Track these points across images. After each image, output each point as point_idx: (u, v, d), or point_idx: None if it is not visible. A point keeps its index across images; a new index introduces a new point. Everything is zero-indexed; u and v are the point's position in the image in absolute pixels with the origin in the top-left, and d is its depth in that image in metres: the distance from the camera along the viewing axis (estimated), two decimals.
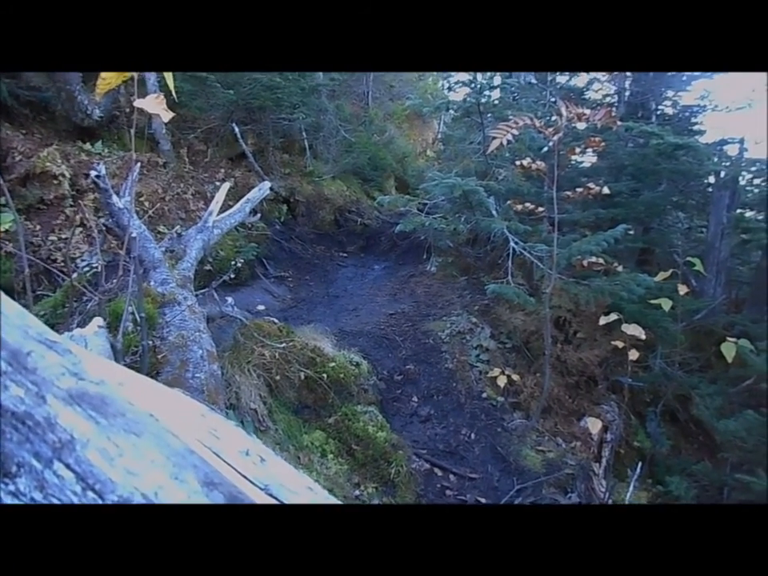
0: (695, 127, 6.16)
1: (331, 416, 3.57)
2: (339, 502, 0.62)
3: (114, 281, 2.87)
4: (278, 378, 3.55)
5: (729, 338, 3.76)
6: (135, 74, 1.78)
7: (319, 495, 0.60)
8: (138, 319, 2.35)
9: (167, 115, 1.86)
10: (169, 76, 1.80)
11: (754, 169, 4.68)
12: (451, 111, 6.42)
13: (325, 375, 3.66)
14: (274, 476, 0.55)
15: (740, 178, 4.83)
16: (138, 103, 1.83)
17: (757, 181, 4.95)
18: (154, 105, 1.85)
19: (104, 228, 4.12)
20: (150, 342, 2.57)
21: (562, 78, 6.72)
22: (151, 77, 5.82)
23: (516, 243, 4.54)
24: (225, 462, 0.52)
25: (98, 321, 2.13)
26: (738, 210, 5.07)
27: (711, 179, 5.05)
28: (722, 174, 4.80)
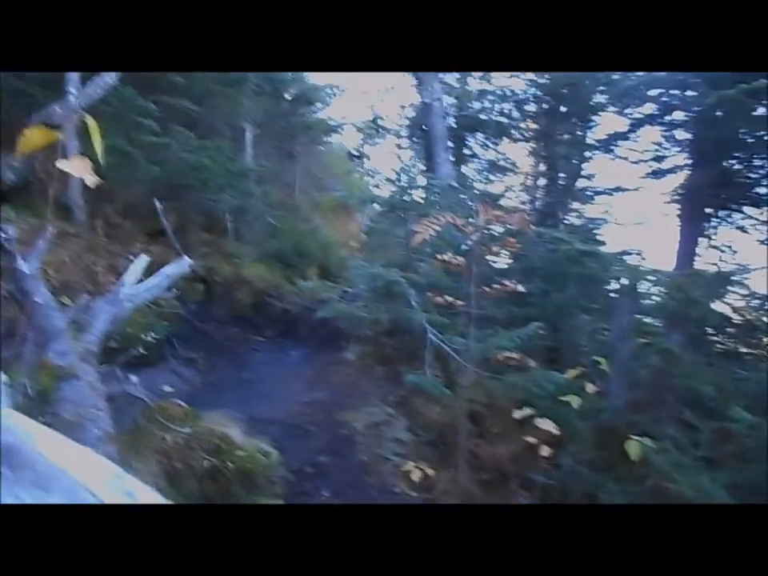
0: (597, 237, 6.77)
1: None
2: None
3: (10, 350, 2.63)
4: (179, 466, 3.29)
5: (633, 437, 3.93)
6: (60, 139, 1.72)
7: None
8: (30, 393, 2.14)
9: (92, 180, 1.80)
10: (98, 142, 1.76)
11: (651, 278, 5.14)
12: (376, 205, 6.69)
13: (230, 464, 3.43)
14: None
15: (639, 286, 5.27)
16: (61, 164, 1.76)
17: (654, 289, 5.42)
18: (78, 168, 1.78)
19: (7, 294, 3.81)
20: (42, 419, 2.33)
21: (479, 185, 7.26)
22: (74, 147, 5.69)
23: (434, 335, 4.63)
24: None
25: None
26: (638, 316, 5.47)
27: (614, 285, 5.48)
28: (623, 280, 5.21)
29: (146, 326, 5.42)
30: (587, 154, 7.27)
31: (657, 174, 5.88)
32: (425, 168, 7.62)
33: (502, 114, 8.13)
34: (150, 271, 5.11)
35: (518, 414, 3.89)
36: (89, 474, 0.48)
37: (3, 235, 2.66)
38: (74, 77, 5.58)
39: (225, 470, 3.40)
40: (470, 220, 4.67)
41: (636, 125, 6.08)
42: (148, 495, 0.51)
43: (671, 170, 5.77)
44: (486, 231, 4.15)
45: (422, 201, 5.79)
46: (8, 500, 0.42)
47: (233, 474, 3.42)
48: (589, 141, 7.35)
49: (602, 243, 6.36)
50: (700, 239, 5.57)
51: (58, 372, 2.66)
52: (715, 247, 5.78)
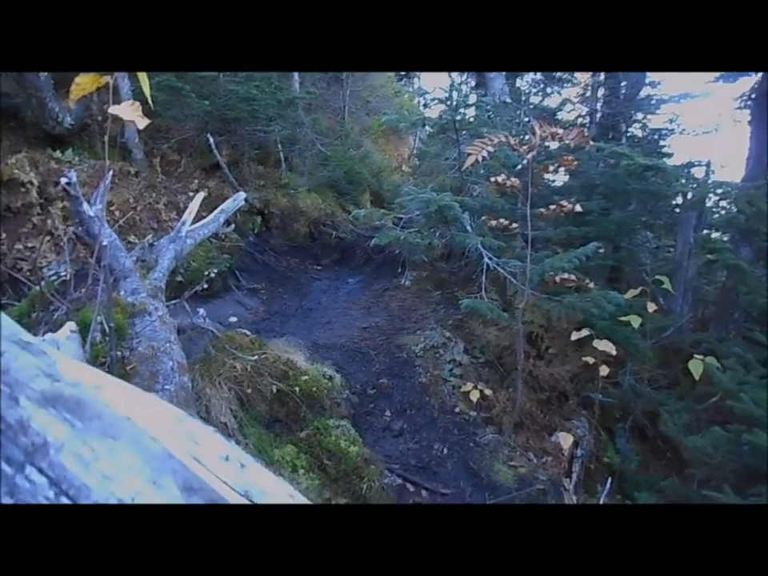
0: (663, 149, 6.37)
1: (303, 430, 3.52)
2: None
3: (83, 290, 2.81)
4: (249, 391, 3.49)
5: (696, 356, 3.85)
6: (110, 81, 1.75)
7: (299, 503, 0.58)
8: (107, 329, 2.30)
9: (143, 122, 1.83)
10: (145, 83, 1.77)
11: (719, 191, 4.84)
12: (427, 127, 6.49)
13: (297, 388, 3.62)
14: (254, 482, 0.54)
15: (706, 200, 4.99)
16: (113, 110, 1.80)
17: (723, 203, 5.12)
18: (129, 112, 1.81)
19: (73, 236, 4.02)
20: (119, 353, 2.51)
21: (535, 98, 6.88)
22: (125, 85, 5.76)
23: (490, 259, 4.58)
24: (204, 467, 0.51)
25: (70, 325, 2.07)
26: (705, 231, 5.22)
27: (679, 200, 5.21)
28: (689, 195, 4.95)
29: (209, 260, 5.63)
30: None
31: (728, 76, 5.37)
32: (475, 84, 7.26)
33: None
34: (209, 206, 5.24)
35: (575, 336, 3.86)
36: (152, 420, 0.53)
37: (65, 180, 2.77)
38: None
39: (292, 393, 3.58)
40: (526, 137, 4.49)
41: None
42: (210, 437, 0.55)
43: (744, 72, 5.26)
44: (542, 149, 3.98)
45: (473, 120, 5.57)
46: (79, 449, 0.47)
47: (300, 397, 3.61)
48: None
49: (668, 155, 5.99)
50: None
51: (130, 309, 2.84)
52: None
